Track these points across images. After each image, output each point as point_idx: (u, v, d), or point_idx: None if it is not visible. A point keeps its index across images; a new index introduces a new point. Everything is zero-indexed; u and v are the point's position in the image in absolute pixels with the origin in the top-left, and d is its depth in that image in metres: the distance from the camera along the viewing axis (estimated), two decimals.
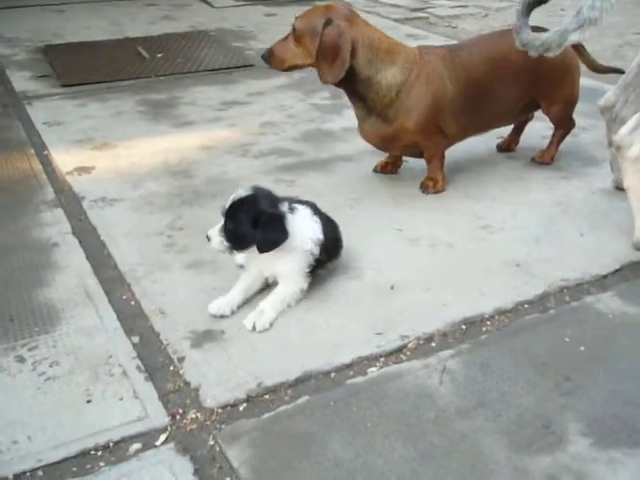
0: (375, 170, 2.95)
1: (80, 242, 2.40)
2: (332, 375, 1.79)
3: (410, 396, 1.72)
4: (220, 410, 1.68)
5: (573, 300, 2.10)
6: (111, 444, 1.58)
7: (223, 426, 1.64)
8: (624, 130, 2.37)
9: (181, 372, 1.80)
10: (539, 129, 3.19)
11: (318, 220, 2.08)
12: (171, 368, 1.82)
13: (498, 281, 2.18)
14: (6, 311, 2.03)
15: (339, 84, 2.64)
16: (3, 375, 1.78)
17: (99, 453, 1.56)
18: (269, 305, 2.00)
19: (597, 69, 3.06)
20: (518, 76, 2.75)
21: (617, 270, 2.24)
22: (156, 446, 1.58)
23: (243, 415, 1.67)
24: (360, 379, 1.78)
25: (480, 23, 5.69)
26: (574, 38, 2.23)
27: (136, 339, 1.92)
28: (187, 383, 1.76)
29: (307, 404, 1.70)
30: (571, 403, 1.70)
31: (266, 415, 1.67)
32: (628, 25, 5.47)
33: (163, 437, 1.60)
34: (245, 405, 1.70)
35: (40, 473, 1.51)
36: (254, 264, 2.08)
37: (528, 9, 2.31)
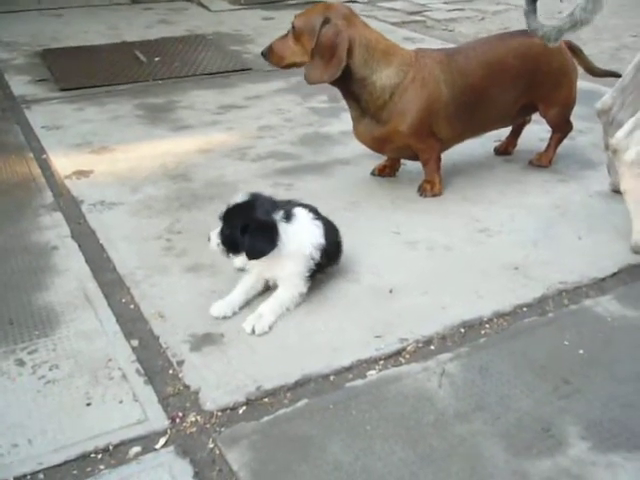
0: (373, 173, 2.96)
1: (79, 246, 2.40)
2: (331, 378, 1.80)
3: (409, 399, 1.72)
4: (220, 413, 1.68)
5: (572, 303, 2.10)
6: (111, 447, 1.58)
7: (223, 429, 1.64)
8: (621, 133, 2.38)
9: (180, 375, 1.80)
10: (537, 132, 3.20)
11: (319, 224, 2.09)
12: (170, 371, 1.82)
13: (496, 284, 2.18)
14: (6, 314, 2.03)
15: (335, 83, 2.65)
16: (3, 378, 1.78)
17: (99, 456, 1.56)
18: (268, 308, 2.00)
19: (594, 72, 3.08)
20: (515, 80, 2.76)
21: (615, 273, 2.25)
22: (156, 449, 1.58)
23: (243, 418, 1.67)
24: (359, 382, 1.78)
25: (477, 26, 5.71)
26: (569, 35, 2.35)
27: (135, 342, 1.92)
28: (187, 386, 1.76)
29: (306, 407, 1.70)
30: (570, 406, 1.70)
31: (265, 418, 1.67)
32: (625, 28, 5.49)
33: (163, 440, 1.60)
34: (245, 408, 1.70)
35: (41, 476, 1.51)
36: (255, 266, 2.08)
37: None
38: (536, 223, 2.55)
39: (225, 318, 2.01)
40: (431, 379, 1.79)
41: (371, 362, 1.85)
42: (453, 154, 2.93)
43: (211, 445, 1.60)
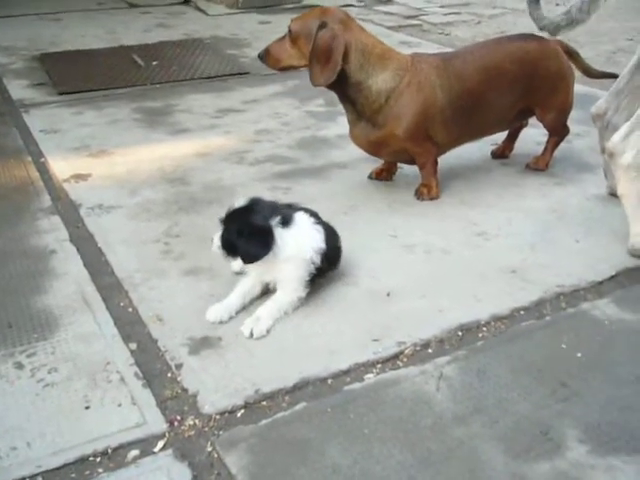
0: (370, 177, 2.97)
1: (77, 249, 2.40)
2: (329, 381, 1.80)
3: (407, 402, 1.72)
4: (218, 416, 1.68)
5: (569, 306, 2.11)
6: (109, 450, 1.58)
7: (221, 432, 1.64)
8: (616, 137, 2.39)
9: (179, 379, 1.80)
10: (533, 136, 3.21)
11: (320, 229, 2.09)
12: (169, 375, 1.82)
13: (494, 287, 2.19)
14: (4, 318, 2.03)
15: (331, 87, 2.66)
16: (2, 382, 1.78)
17: (98, 459, 1.56)
18: (266, 312, 2.01)
19: (591, 74, 3.09)
20: (513, 84, 2.77)
21: (613, 276, 2.25)
22: (154, 452, 1.58)
23: (241, 421, 1.67)
24: (357, 385, 1.79)
25: (473, 30, 5.72)
26: (565, 32, 2.39)
27: (134, 346, 1.93)
28: (185, 390, 1.77)
29: (304, 410, 1.70)
30: (568, 409, 1.70)
31: (264, 421, 1.67)
32: (622, 31, 5.51)
33: (161, 443, 1.61)
34: (243, 411, 1.70)
35: (39, 479, 1.51)
36: (253, 270, 2.08)
37: None
38: (533, 226, 2.56)
39: (222, 322, 2.01)
40: (429, 382, 1.79)
41: (369, 365, 1.85)
42: (450, 158, 2.93)
43: (209, 448, 1.60)
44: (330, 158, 3.18)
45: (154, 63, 4.64)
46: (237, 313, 2.04)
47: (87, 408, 1.70)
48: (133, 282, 2.22)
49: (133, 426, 1.64)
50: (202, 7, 6.44)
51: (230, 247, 2.03)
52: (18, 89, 4.14)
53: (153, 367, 1.85)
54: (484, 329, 2.00)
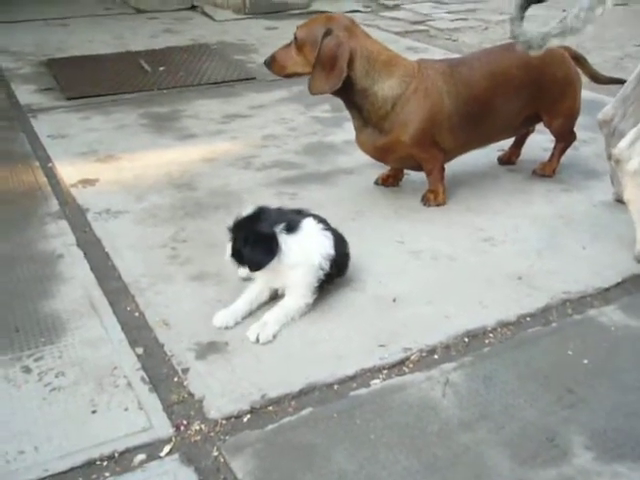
0: (376, 183, 2.97)
1: (85, 254, 2.41)
2: (335, 387, 1.80)
3: (413, 408, 1.72)
4: (224, 421, 1.69)
5: (576, 313, 2.11)
6: (116, 454, 1.58)
7: (227, 437, 1.64)
8: (623, 144, 2.39)
9: (185, 383, 1.81)
10: (540, 142, 3.21)
11: (329, 235, 2.10)
12: (175, 379, 1.82)
13: (500, 294, 2.19)
14: (12, 322, 2.04)
15: (337, 94, 2.67)
16: (9, 386, 1.79)
17: (104, 463, 1.56)
18: (273, 317, 2.01)
19: (599, 80, 3.09)
20: (520, 90, 2.77)
21: (619, 283, 2.25)
22: (161, 457, 1.59)
23: (247, 426, 1.68)
24: (363, 391, 1.79)
25: (480, 36, 5.73)
26: (555, 43, 2.33)
27: (140, 350, 1.93)
28: (191, 394, 1.77)
29: (311, 416, 1.71)
30: (574, 416, 1.70)
31: (270, 427, 1.67)
32: (629, 37, 5.50)
33: (167, 448, 1.61)
34: (249, 416, 1.70)
35: None
36: (261, 276, 2.09)
37: (526, 3, 2.37)
38: (540, 233, 2.56)
39: (227, 328, 2.01)
40: (435, 388, 1.79)
41: (375, 371, 1.85)
42: (456, 164, 2.93)
43: (215, 453, 1.60)
44: (336, 164, 3.18)
45: (161, 68, 4.66)
46: (243, 319, 2.05)
47: (94, 412, 1.70)
48: (140, 287, 2.22)
49: (140, 430, 1.65)
50: (209, 12, 6.47)
51: (238, 255, 2.06)
52: (26, 94, 4.17)
53: (159, 372, 1.85)
54: (490, 335, 2.00)
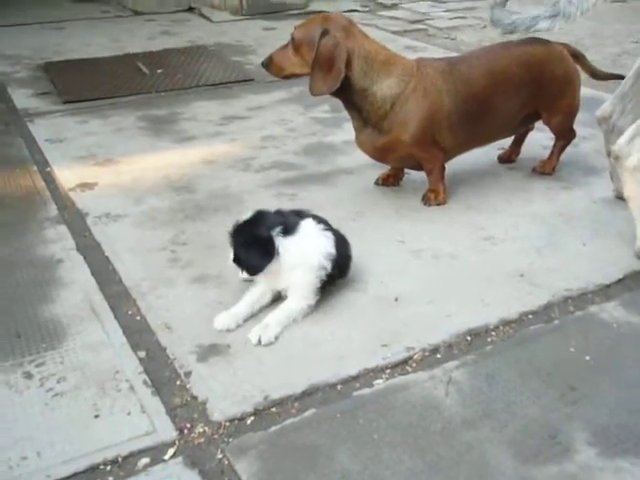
0: (377, 183, 2.97)
1: (84, 258, 2.41)
2: (338, 387, 1.80)
3: (416, 407, 1.72)
4: (227, 424, 1.69)
5: (577, 310, 2.11)
6: (120, 459, 1.58)
7: (231, 439, 1.64)
8: (622, 140, 2.39)
9: (188, 386, 1.80)
10: (540, 139, 3.21)
11: (329, 235, 2.09)
12: (178, 382, 1.82)
13: (502, 292, 2.19)
14: (12, 327, 2.04)
15: (336, 94, 2.66)
16: (11, 392, 1.78)
17: (108, 468, 1.56)
18: (275, 319, 2.01)
19: (598, 76, 3.09)
20: (519, 88, 2.76)
21: (620, 279, 2.25)
22: (164, 460, 1.58)
23: (250, 428, 1.67)
24: (366, 391, 1.79)
25: (479, 35, 5.73)
26: (544, 25, 2.30)
27: (142, 354, 1.93)
28: (194, 397, 1.77)
29: (314, 417, 1.70)
30: (577, 413, 1.70)
31: (273, 428, 1.67)
32: (627, 34, 5.50)
33: (171, 451, 1.61)
34: (252, 418, 1.70)
35: None
36: (262, 279, 2.09)
37: None
38: (540, 230, 2.56)
39: (229, 331, 2.01)
40: (438, 387, 1.79)
41: (378, 371, 1.85)
42: (457, 163, 2.93)
43: (219, 455, 1.60)
44: (336, 164, 3.18)
45: (159, 71, 4.65)
46: (245, 321, 2.05)
47: (96, 417, 1.70)
48: (141, 290, 2.22)
49: (143, 434, 1.65)
50: (206, 14, 6.47)
51: (238, 260, 2.07)
52: (23, 98, 4.16)
53: (162, 375, 1.85)
54: (492, 334, 2.00)
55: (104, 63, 4.87)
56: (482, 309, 2.10)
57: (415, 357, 1.90)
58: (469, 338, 1.98)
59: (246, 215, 2.08)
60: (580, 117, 2.99)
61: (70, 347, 1.95)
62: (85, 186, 2.98)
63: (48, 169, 3.16)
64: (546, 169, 3.02)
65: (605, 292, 2.19)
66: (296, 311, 2.04)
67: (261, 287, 2.11)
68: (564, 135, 2.99)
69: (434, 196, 2.78)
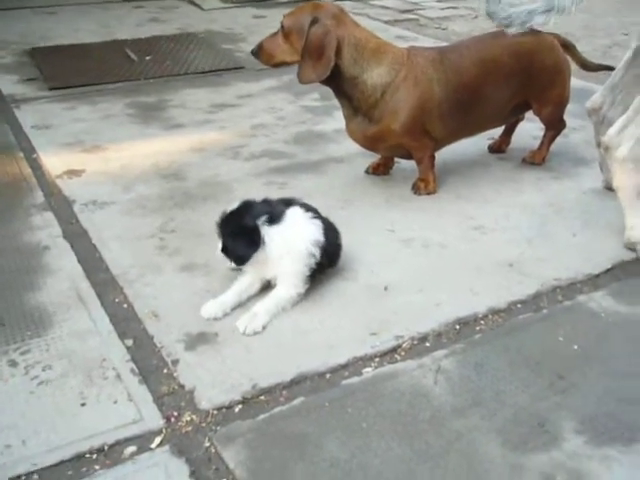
0: (367, 171, 2.95)
1: (71, 245, 2.39)
2: (327, 376, 1.79)
3: (405, 396, 1.72)
4: (215, 412, 1.68)
5: (566, 299, 2.11)
6: (106, 447, 1.57)
7: (218, 428, 1.63)
8: (612, 131, 2.39)
9: (175, 375, 1.79)
10: (530, 130, 3.21)
11: (317, 223, 2.08)
12: (165, 371, 1.81)
13: (491, 281, 2.18)
14: None
15: (326, 82, 2.64)
16: None
17: (94, 456, 1.55)
18: (264, 308, 2.00)
19: (588, 67, 3.08)
20: (509, 78, 2.75)
21: (609, 269, 2.25)
22: (151, 449, 1.57)
23: (238, 417, 1.66)
24: (355, 379, 1.78)
25: (470, 25, 5.71)
26: (539, 20, 2.28)
27: (130, 342, 1.91)
28: (181, 385, 1.75)
29: (302, 405, 1.70)
30: (565, 401, 1.70)
31: (261, 416, 1.66)
32: (618, 26, 5.50)
33: (158, 440, 1.60)
34: (240, 407, 1.69)
35: (35, 477, 1.50)
36: (250, 268, 2.08)
37: None
38: (530, 220, 2.56)
39: (216, 319, 2.00)
40: (427, 376, 1.79)
41: (367, 359, 1.85)
42: (447, 152, 2.93)
43: (207, 444, 1.59)
44: (326, 153, 3.16)
45: (148, 58, 4.62)
46: (232, 310, 2.03)
47: (83, 405, 1.68)
48: (128, 278, 2.20)
49: (130, 422, 1.63)
50: (196, 1, 6.41)
51: (226, 251, 2.07)
52: (9, 84, 4.11)
53: (149, 363, 1.84)
54: (481, 322, 2.00)
55: (92, 49, 4.82)
56: (471, 298, 2.10)
57: (404, 346, 1.90)
58: (458, 327, 1.98)
59: (233, 205, 2.08)
60: (570, 108, 2.99)
61: (56, 335, 1.94)
62: (72, 173, 2.95)
63: (34, 156, 3.13)
64: (536, 159, 3.02)
65: (594, 282, 2.20)
66: (285, 300, 2.03)
67: (250, 276, 2.10)
68: (554, 125, 2.98)
69: (424, 185, 2.77)
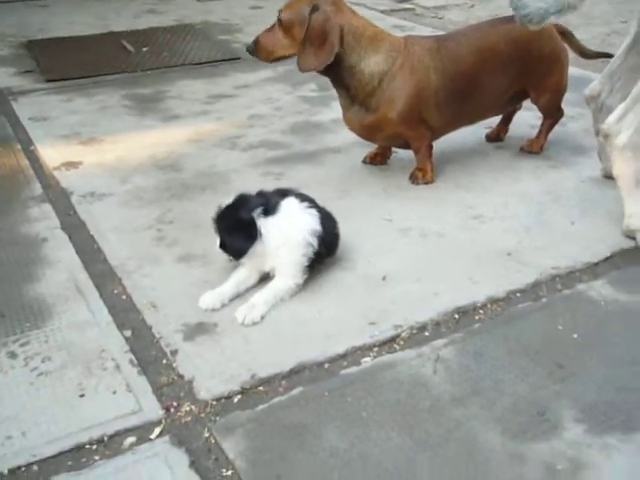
0: (364, 161, 2.95)
1: (69, 237, 2.38)
2: (326, 366, 1.79)
3: (404, 385, 1.72)
4: (214, 402, 1.67)
5: (565, 288, 2.11)
6: (105, 438, 1.57)
7: (218, 418, 1.63)
8: (612, 118, 2.38)
9: (174, 365, 1.79)
10: (527, 118, 3.20)
11: (314, 212, 2.08)
12: (164, 361, 1.81)
13: (490, 270, 2.18)
14: None
15: (324, 72, 2.63)
16: None
17: (94, 447, 1.55)
18: (262, 299, 1.99)
19: (586, 55, 3.07)
20: (506, 66, 2.74)
21: (608, 257, 2.25)
22: (151, 439, 1.57)
23: (237, 407, 1.66)
24: (354, 369, 1.78)
25: (466, 14, 5.69)
26: (553, 19, 2.28)
27: (128, 333, 1.91)
28: (180, 376, 1.75)
29: (301, 395, 1.70)
30: (565, 390, 1.70)
31: (260, 407, 1.66)
32: (616, 13, 5.49)
33: (158, 430, 1.59)
34: (239, 397, 1.69)
35: (35, 468, 1.50)
36: (250, 260, 2.07)
37: None
38: (529, 209, 2.55)
39: (214, 310, 1.99)
40: (426, 365, 1.79)
41: (365, 349, 1.84)
42: (444, 141, 2.92)
43: (206, 434, 1.59)
44: (324, 143, 3.15)
45: (144, 49, 4.60)
46: (230, 301, 2.03)
47: (82, 396, 1.68)
48: (126, 269, 2.20)
49: (129, 413, 1.63)
50: None
51: (224, 246, 2.07)
52: (5, 77, 4.10)
53: (148, 354, 1.83)
54: (480, 311, 2.00)
55: (89, 41, 4.81)
56: (470, 287, 2.10)
57: (403, 335, 1.89)
58: (457, 316, 1.98)
59: (228, 200, 2.07)
60: (568, 96, 2.98)
61: (55, 326, 1.93)
62: (70, 165, 2.94)
63: (32, 148, 3.12)
64: (534, 148, 3.02)
65: (593, 270, 2.19)
66: (283, 290, 2.03)
67: (247, 268, 2.09)
68: (552, 114, 2.97)
69: (422, 175, 2.76)
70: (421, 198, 2.65)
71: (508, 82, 2.80)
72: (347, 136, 2.97)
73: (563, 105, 2.97)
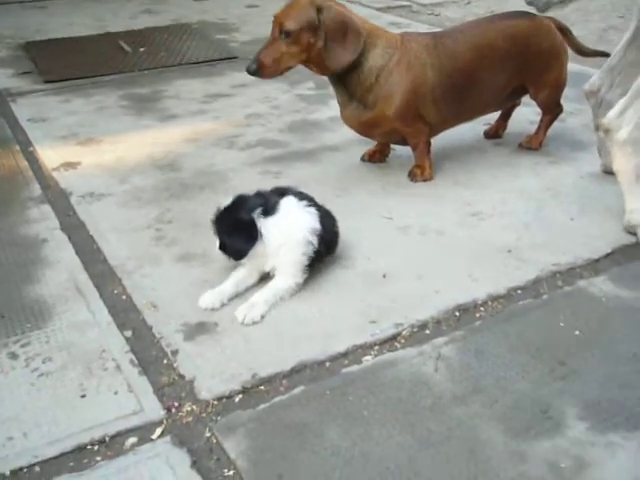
0: (363, 159, 2.94)
1: (69, 237, 2.38)
2: (327, 364, 1.79)
3: (406, 383, 1.71)
4: (215, 402, 1.67)
5: (566, 285, 2.10)
6: (107, 438, 1.56)
7: (219, 418, 1.63)
8: (612, 113, 2.37)
9: (175, 365, 1.79)
10: (526, 114, 3.20)
11: (313, 211, 2.07)
12: (165, 361, 1.80)
13: (490, 267, 2.18)
14: None
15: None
16: None
17: (95, 448, 1.54)
18: (262, 298, 1.99)
19: (583, 52, 3.07)
20: (505, 62, 2.74)
21: (609, 254, 2.24)
22: (152, 439, 1.57)
23: (239, 406, 1.66)
24: (355, 368, 1.77)
25: (463, 10, 5.68)
26: (556, 7, 2.29)
27: (129, 333, 1.91)
28: (181, 376, 1.75)
29: (303, 394, 1.69)
30: (567, 387, 1.70)
31: (262, 406, 1.66)
32: (613, 9, 5.48)
33: (159, 430, 1.59)
34: (240, 396, 1.69)
35: (37, 469, 1.49)
36: (250, 260, 2.06)
37: None
38: (528, 206, 2.55)
39: (214, 310, 1.99)
40: (427, 363, 1.78)
41: (366, 347, 1.84)
42: (443, 138, 2.91)
43: (208, 434, 1.58)
44: (322, 141, 3.15)
45: (141, 49, 4.59)
46: (230, 300, 2.02)
47: (83, 397, 1.68)
48: (126, 269, 2.19)
49: (130, 413, 1.63)
50: None
51: (224, 247, 2.07)
52: (4, 78, 4.09)
53: (149, 354, 1.83)
54: (481, 309, 1.99)
55: (86, 42, 4.79)
56: (470, 285, 2.09)
57: (404, 333, 1.89)
58: (457, 314, 1.97)
59: (226, 201, 2.07)
60: (567, 92, 2.97)
61: (56, 327, 1.93)
62: (68, 165, 2.93)
63: (31, 149, 3.11)
64: (533, 144, 3.01)
65: (594, 266, 2.19)
66: (283, 289, 2.03)
67: (247, 268, 2.09)
68: (551, 110, 2.97)
69: (420, 172, 2.76)
70: (420, 195, 2.64)
71: (507, 78, 2.79)
72: (345, 134, 2.97)
73: (562, 101, 2.96)
